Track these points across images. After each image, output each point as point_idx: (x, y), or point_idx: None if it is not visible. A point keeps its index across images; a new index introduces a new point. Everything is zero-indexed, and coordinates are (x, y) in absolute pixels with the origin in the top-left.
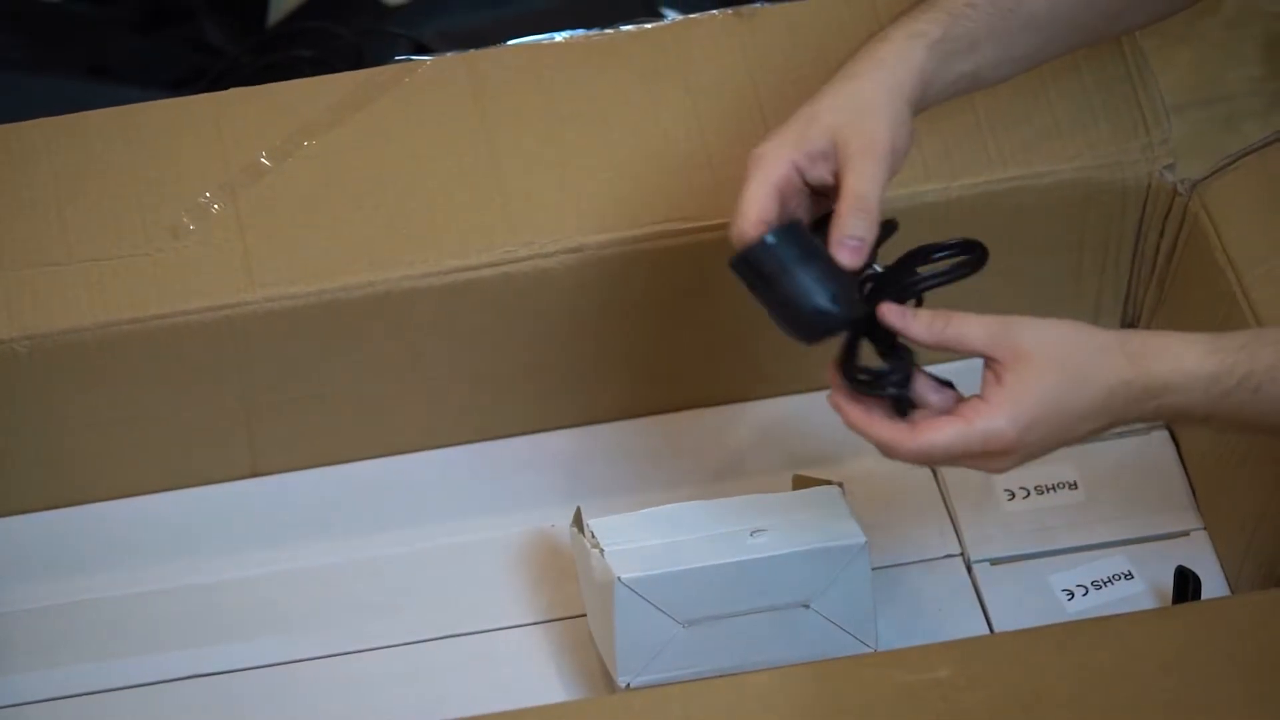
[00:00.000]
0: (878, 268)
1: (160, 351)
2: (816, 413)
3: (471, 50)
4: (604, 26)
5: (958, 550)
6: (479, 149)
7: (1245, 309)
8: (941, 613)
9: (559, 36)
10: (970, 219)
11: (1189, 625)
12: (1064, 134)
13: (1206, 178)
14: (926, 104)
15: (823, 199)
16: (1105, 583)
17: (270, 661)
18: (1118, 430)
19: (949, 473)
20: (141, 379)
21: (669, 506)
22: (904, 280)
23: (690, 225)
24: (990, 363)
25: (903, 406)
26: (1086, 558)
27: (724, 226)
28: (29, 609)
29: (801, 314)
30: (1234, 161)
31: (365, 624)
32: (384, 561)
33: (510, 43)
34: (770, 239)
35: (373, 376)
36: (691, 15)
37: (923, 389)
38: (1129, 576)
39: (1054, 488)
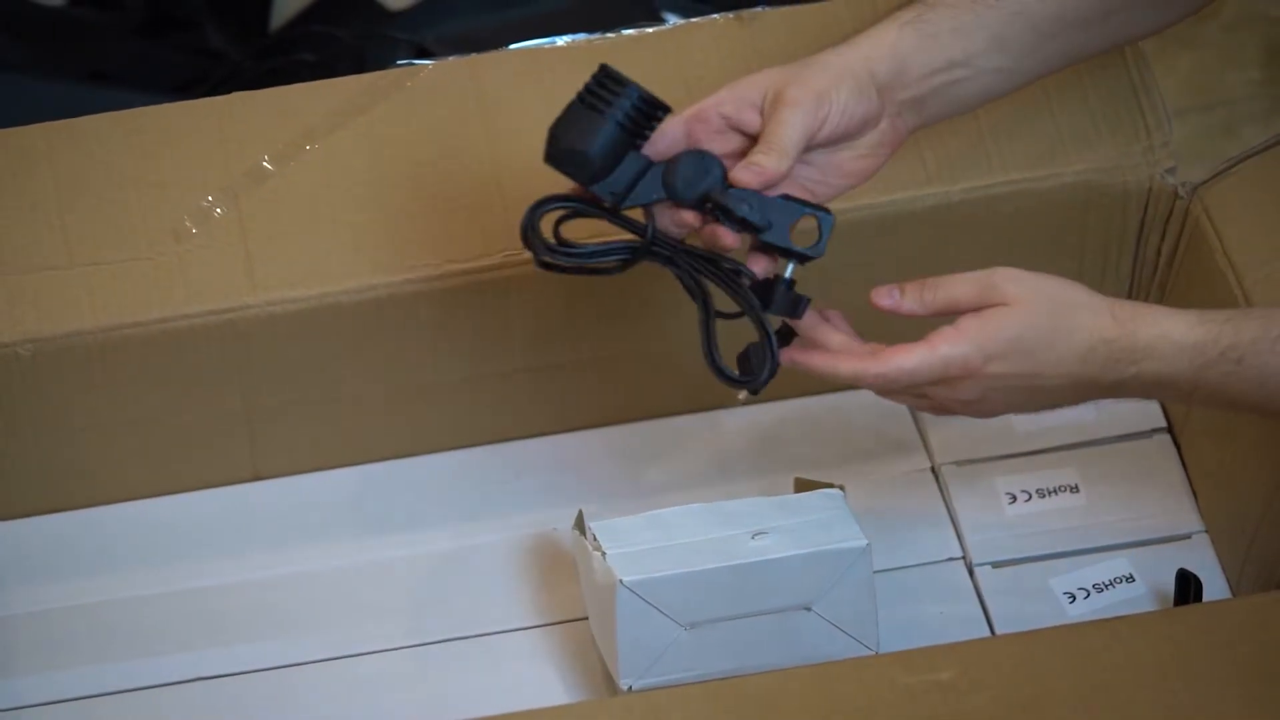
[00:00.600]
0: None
1: (162, 355)
2: (819, 416)
3: (473, 54)
4: (605, 30)
5: (959, 553)
6: (480, 152)
7: None
8: (943, 616)
9: (560, 41)
10: (971, 223)
11: (1190, 628)
12: (1065, 138)
13: (1207, 181)
14: (915, 91)
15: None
16: (1107, 585)
17: (272, 664)
18: (1119, 433)
19: (951, 477)
20: (143, 382)
21: (671, 509)
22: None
23: None
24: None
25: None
26: (1088, 561)
27: None
28: (30, 612)
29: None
30: (1235, 165)
31: (367, 627)
32: (386, 564)
33: (512, 47)
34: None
35: (374, 380)
36: (692, 19)
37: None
38: (1130, 579)
39: (1055, 491)
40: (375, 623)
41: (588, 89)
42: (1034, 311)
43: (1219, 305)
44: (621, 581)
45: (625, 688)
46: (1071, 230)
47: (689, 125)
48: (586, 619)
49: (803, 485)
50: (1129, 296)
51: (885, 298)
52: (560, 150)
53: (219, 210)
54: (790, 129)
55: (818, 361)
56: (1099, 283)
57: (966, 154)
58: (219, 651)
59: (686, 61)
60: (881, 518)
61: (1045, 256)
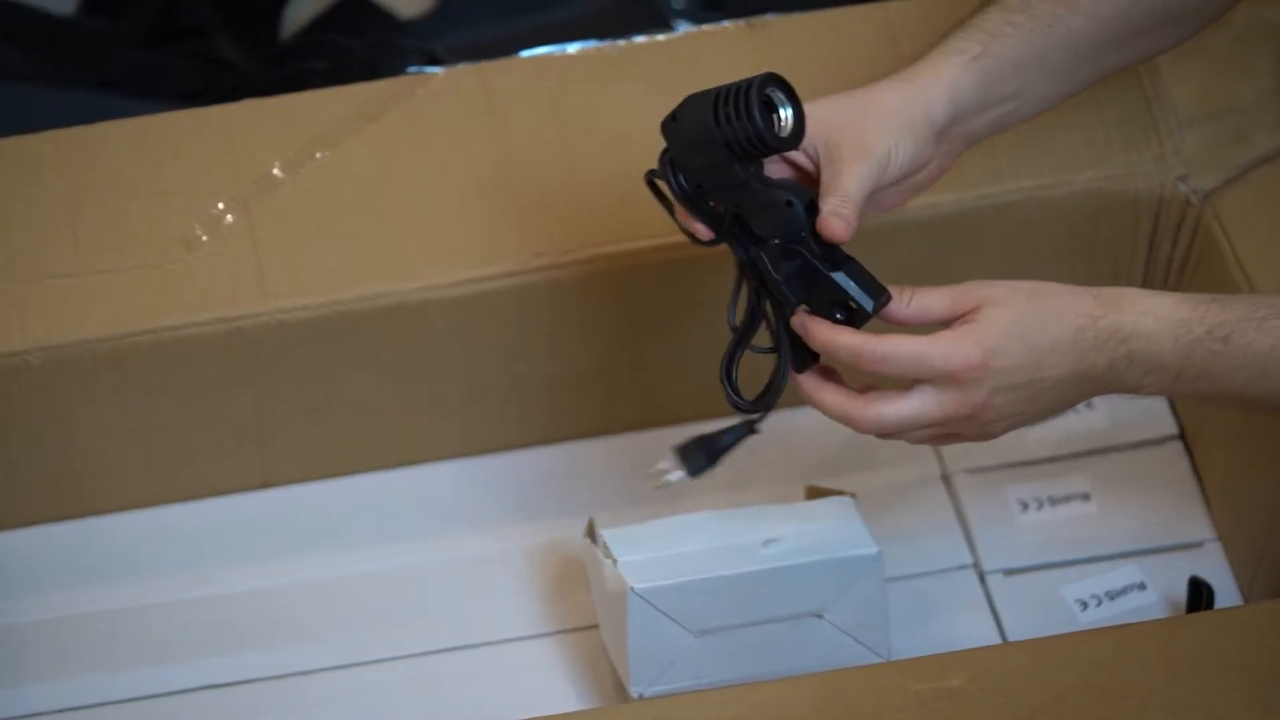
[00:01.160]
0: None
1: (172, 363)
2: (830, 423)
3: (484, 62)
4: (616, 38)
5: (971, 561)
6: (491, 160)
7: None
8: (954, 623)
9: (571, 48)
10: (983, 230)
11: (1202, 635)
12: (1077, 145)
13: (1219, 189)
14: (968, 126)
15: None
16: (1118, 593)
17: (282, 672)
18: (1130, 440)
19: (963, 484)
20: (153, 390)
21: (682, 517)
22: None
23: None
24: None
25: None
26: (1099, 568)
27: None
28: (41, 620)
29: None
30: (1246, 173)
31: (377, 635)
32: (396, 573)
33: (522, 54)
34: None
35: (384, 388)
36: (703, 26)
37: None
38: (1142, 587)
39: (1067, 499)
40: (385, 631)
41: (733, 92)
42: (1017, 304)
43: None
44: (632, 589)
45: (636, 695)
46: (1083, 238)
47: None
48: (597, 627)
49: (814, 492)
50: None
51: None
52: (677, 128)
53: (229, 218)
54: (859, 185)
55: (821, 328)
56: None
57: (979, 162)
58: (228, 659)
59: (697, 69)
60: (893, 525)
61: (1057, 263)
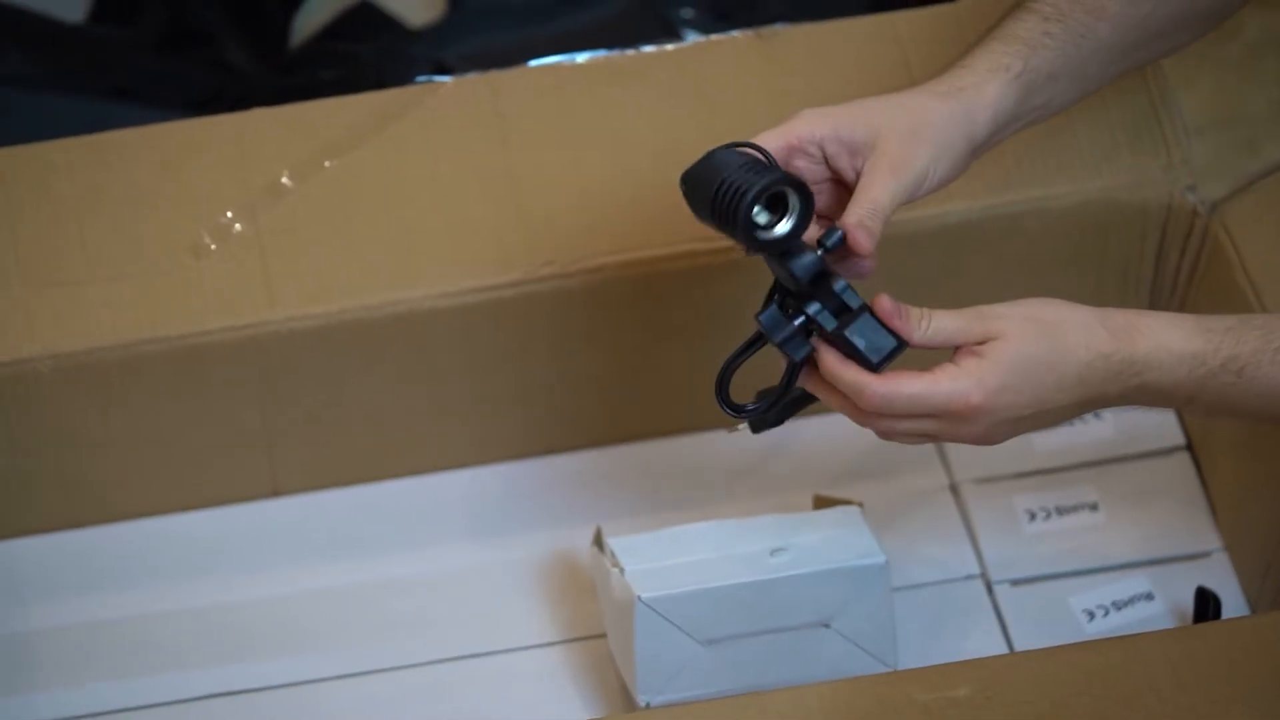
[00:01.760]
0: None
1: (181, 370)
2: (837, 433)
3: (492, 71)
4: (624, 48)
5: (978, 570)
6: (500, 169)
7: None
8: (961, 633)
9: (580, 58)
10: (992, 239)
11: (1209, 645)
12: (1085, 155)
13: (1227, 198)
14: (1001, 138)
15: (834, 187)
16: (1125, 603)
17: (291, 680)
18: (1138, 451)
19: (970, 494)
20: (163, 398)
21: (689, 526)
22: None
23: (712, 246)
24: (969, 348)
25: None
26: (1107, 579)
27: None
28: (51, 628)
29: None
30: (1255, 183)
31: (386, 643)
32: (404, 581)
33: (531, 64)
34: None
35: (393, 396)
36: (712, 36)
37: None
38: (1149, 597)
39: (1074, 509)
40: (394, 639)
41: (731, 190)
42: (1026, 339)
43: None
44: (640, 598)
45: (643, 704)
46: (1091, 247)
47: (790, 147)
48: (604, 636)
49: (821, 502)
50: None
51: (894, 316)
52: (686, 190)
53: (238, 226)
54: (892, 198)
55: (830, 360)
56: (1118, 299)
57: (987, 170)
58: (237, 667)
59: (706, 79)
60: (900, 535)
61: (1065, 273)
